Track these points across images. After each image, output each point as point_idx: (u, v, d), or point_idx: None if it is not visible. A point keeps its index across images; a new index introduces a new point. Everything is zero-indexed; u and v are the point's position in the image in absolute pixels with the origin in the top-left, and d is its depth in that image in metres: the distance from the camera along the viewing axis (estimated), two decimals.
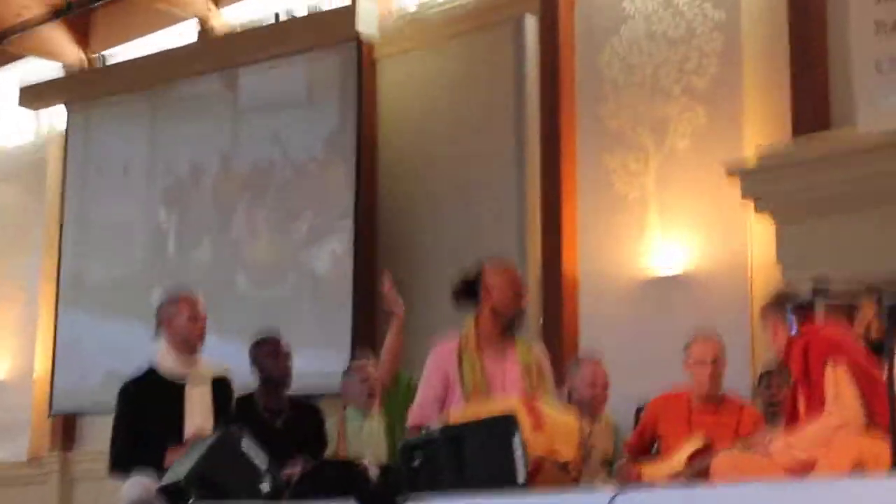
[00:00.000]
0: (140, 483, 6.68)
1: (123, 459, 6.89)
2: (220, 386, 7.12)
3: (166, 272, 13.33)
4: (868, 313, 6.32)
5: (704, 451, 6.75)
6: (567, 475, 5.75)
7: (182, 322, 7.05)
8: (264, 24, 13.74)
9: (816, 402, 5.97)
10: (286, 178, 12.95)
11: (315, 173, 12.74)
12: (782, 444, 6.04)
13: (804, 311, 6.18)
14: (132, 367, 7.26)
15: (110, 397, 7.16)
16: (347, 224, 12.23)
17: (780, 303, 6.25)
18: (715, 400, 7.23)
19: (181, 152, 13.99)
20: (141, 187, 14.31)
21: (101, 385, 12.76)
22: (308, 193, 12.74)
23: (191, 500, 6.23)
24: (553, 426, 5.82)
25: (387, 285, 8.44)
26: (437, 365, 6.34)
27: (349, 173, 12.31)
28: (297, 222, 12.83)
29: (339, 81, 12.70)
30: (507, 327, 6.36)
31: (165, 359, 7.07)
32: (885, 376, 5.88)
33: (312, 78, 12.99)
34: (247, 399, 7.44)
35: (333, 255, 12.35)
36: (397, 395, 7.91)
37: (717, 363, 7.22)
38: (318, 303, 12.41)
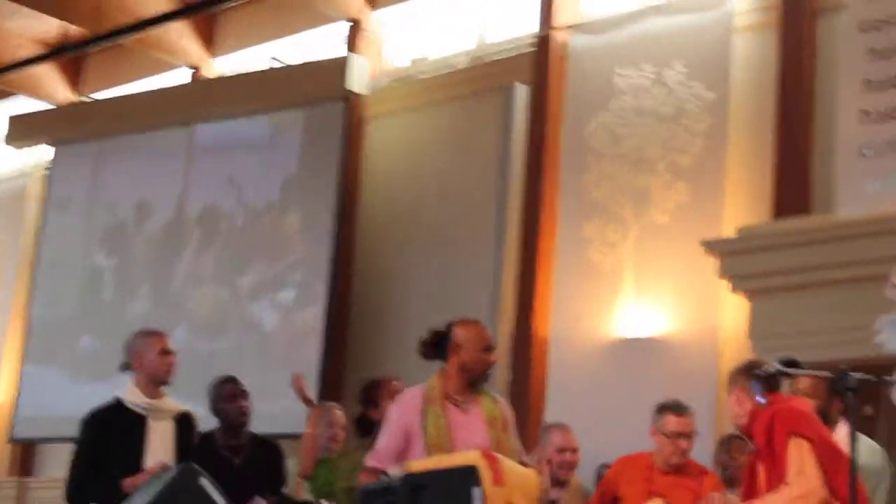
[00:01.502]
0: None
1: (80, 488, 6.83)
2: (184, 422, 7.08)
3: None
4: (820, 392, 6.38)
5: None
6: None
7: (153, 357, 7.02)
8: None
9: (778, 473, 5.98)
10: (254, 227, 13.05)
11: (292, 227, 12.77)
12: None
13: (770, 383, 6.20)
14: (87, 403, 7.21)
15: (71, 427, 7.11)
16: (321, 276, 12.27)
17: (748, 371, 6.26)
18: (678, 466, 7.24)
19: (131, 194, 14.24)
20: (86, 227, 14.54)
21: (62, 415, 12.73)
22: (279, 246, 12.77)
23: None
24: (513, 480, 5.80)
25: (297, 382, 8.44)
26: (400, 414, 6.32)
27: (328, 229, 12.37)
28: (260, 273, 12.87)
29: (325, 136, 12.76)
30: (473, 383, 6.35)
31: (132, 392, 7.02)
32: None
33: (298, 131, 13.05)
34: (207, 437, 7.40)
35: (304, 306, 12.36)
36: (318, 479, 7.86)
37: (690, 438, 7.22)
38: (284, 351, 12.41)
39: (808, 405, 6.35)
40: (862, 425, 6.43)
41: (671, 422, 7.23)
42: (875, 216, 9.05)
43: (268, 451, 7.56)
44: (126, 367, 7.10)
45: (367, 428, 7.52)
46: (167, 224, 13.92)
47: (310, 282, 12.39)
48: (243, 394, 7.56)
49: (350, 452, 7.74)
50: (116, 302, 13.95)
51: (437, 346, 6.38)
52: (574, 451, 7.81)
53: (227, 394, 7.54)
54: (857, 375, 5.59)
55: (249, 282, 12.88)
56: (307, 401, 8.25)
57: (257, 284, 12.87)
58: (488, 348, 6.38)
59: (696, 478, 7.17)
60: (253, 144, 13.31)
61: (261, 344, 12.61)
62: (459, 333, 6.34)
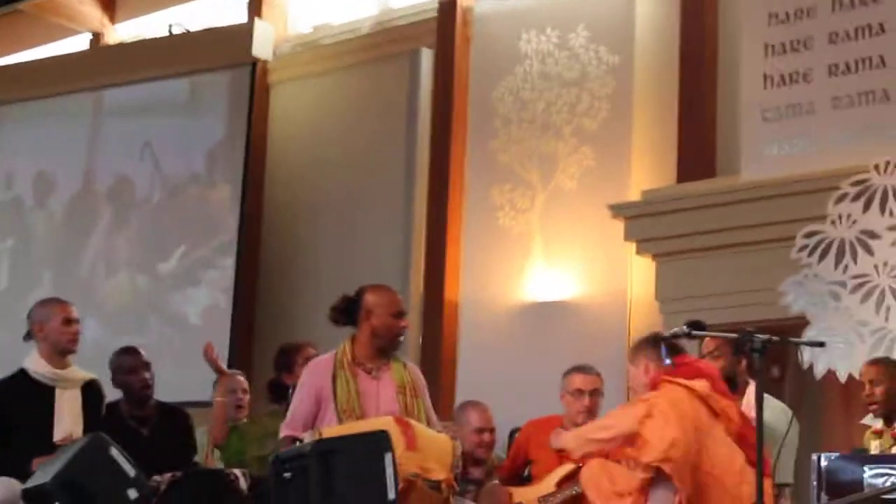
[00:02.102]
0: (5, 484, 6.55)
1: None
2: (91, 391, 7.02)
3: None
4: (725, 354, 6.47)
5: (574, 476, 6.78)
6: (439, 495, 5.75)
7: (55, 326, 6.95)
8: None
9: None
10: (161, 198, 12.84)
11: (195, 195, 12.66)
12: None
13: (677, 346, 6.28)
14: None
15: None
16: (231, 242, 12.18)
17: (654, 341, 6.32)
18: None
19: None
20: None
21: None
22: (185, 216, 12.63)
23: None
24: (426, 446, 5.82)
25: (209, 351, 8.34)
26: (310, 381, 6.30)
27: (234, 195, 12.27)
28: (169, 246, 12.69)
29: (230, 103, 12.65)
30: (384, 349, 6.35)
31: (37, 362, 6.95)
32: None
33: (203, 97, 12.92)
34: (112, 408, 7.32)
35: (215, 272, 12.26)
36: (229, 447, 7.80)
37: (594, 396, 7.29)
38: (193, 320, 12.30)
39: (714, 368, 6.43)
40: (769, 387, 6.53)
41: (575, 380, 7.31)
42: (778, 179, 9.15)
43: (176, 420, 7.49)
44: (28, 336, 7.03)
45: (279, 393, 7.49)
46: (72, 199, 13.46)
47: (220, 251, 12.28)
48: (145, 365, 7.47)
49: (260, 418, 7.70)
50: (13, 291, 13.28)
51: (347, 311, 6.37)
52: (492, 430, 7.77)
53: (129, 366, 7.43)
54: (763, 337, 5.65)
55: (169, 266, 12.64)
56: (219, 370, 8.19)
57: (178, 267, 12.63)
58: (399, 314, 6.38)
59: None
60: (167, 110, 13.05)
61: (183, 332, 12.35)
62: (370, 299, 6.33)
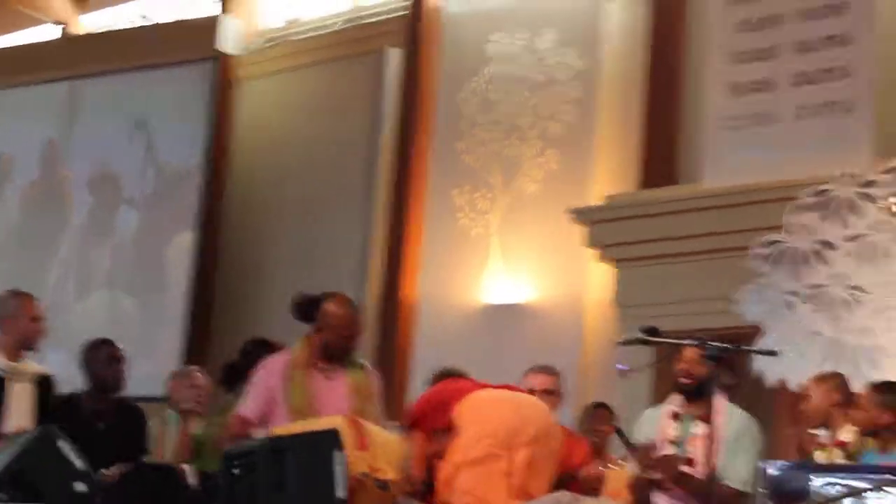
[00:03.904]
0: None
1: None
2: (43, 385, 6.97)
3: None
4: (690, 356, 6.42)
5: None
6: (388, 494, 5.74)
7: (24, 321, 6.91)
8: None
9: None
10: (126, 186, 12.77)
11: (160, 183, 12.62)
12: None
13: None
14: None
15: None
16: (191, 236, 12.15)
17: None
18: None
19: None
20: None
21: None
22: (151, 203, 12.60)
23: (2, 497, 6.08)
24: (376, 445, 5.81)
25: None
26: (264, 379, 6.29)
27: (196, 187, 12.24)
28: (133, 230, 12.66)
29: (194, 97, 12.61)
30: (335, 357, 6.35)
31: None
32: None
33: (168, 91, 12.87)
34: (71, 399, 7.27)
35: (171, 266, 12.22)
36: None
37: (552, 395, 7.26)
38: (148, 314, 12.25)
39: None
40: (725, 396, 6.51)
41: (529, 378, 7.27)
42: (739, 187, 9.17)
43: (132, 416, 7.44)
44: None
45: (233, 378, 7.37)
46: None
47: (179, 246, 12.24)
48: (122, 358, 7.43)
49: (213, 420, 7.66)
50: None
51: (305, 312, 6.37)
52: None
53: (105, 358, 7.37)
54: (717, 345, 5.66)
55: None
56: None
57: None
58: (351, 335, 6.36)
59: (565, 445, 7.18)
60: (129, 103, 13.02)
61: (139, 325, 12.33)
62: (328, 310, 6.30)
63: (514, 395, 6.44)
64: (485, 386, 6.51)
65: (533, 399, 6.47)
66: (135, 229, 12.70)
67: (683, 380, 6.35)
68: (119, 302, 12.56)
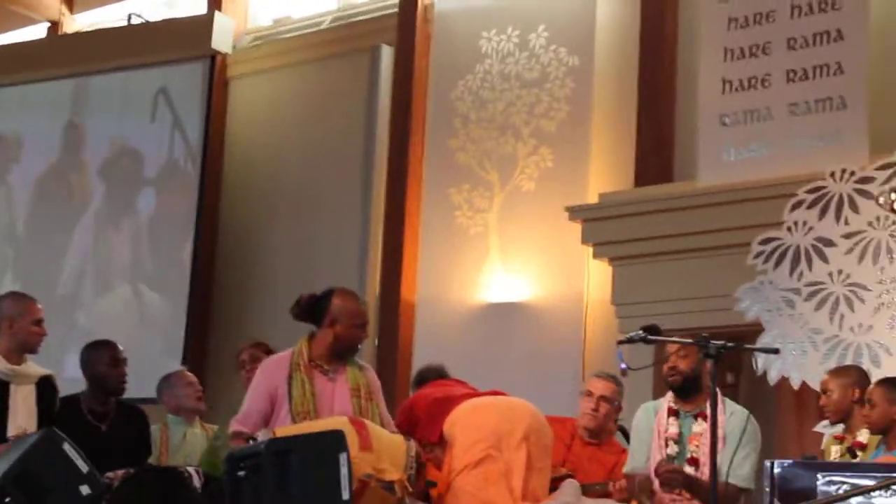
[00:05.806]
0: None
1: None
2: (46, 387, 6.97)
3: None
4: (672, 351, 6.45)
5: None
6: (392, 495, 5.76)
7: (25, 325, 6.91)
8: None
9: None
10: (124, 186, 12.76)
11: (158, 184, 12.61)
12: None
13: None
14: None
15: None
16: (188, 236, 12.12)
17: None
18: (599, 437, 7.27)
19: None
20: None
21: None
22: (148, 204, 12.59)
23: (7, 500, 6.08)
24: (381, 446, 5.84)
25: None
26: (266, 378, 6.31)
27: (192, 187, 12.22)
28: (133, 233, 12.64)
29: (189, 96, 12.60)
30: (342, 354, 6.36)
31: None
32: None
33: (161, 90, 12.84)
34: (71, 401, 7.26)
35: (171, 267, 12.21)
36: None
37: (602, 400, 7.25)
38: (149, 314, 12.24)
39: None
40: (724, 393, 6.54)
41: (590, 382, 7.35)
42: (735, 184, 9.17)
43: (134, 418, 7.44)
44: None
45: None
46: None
47: (176, 246, 12.22)
48: (124, 361, 7.43)
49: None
50: None
51: (311, 311, 6.38)
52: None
53: (108, 360, 7.36)
54: (718, 343, 5.69)
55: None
56: None
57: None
58: (363, 325, 6.41)
59: (616, 455, 7.18)
60: (124, 102, 13.01)
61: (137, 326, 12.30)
62: (337, 305, 6.34)
63: (498, 399, 6.52)
64: (471, 392, 6.61)
65: (517, 400, 6.54)
66: (134, 232, 12.68)
67: (669, 376, 6.40)
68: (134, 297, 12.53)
